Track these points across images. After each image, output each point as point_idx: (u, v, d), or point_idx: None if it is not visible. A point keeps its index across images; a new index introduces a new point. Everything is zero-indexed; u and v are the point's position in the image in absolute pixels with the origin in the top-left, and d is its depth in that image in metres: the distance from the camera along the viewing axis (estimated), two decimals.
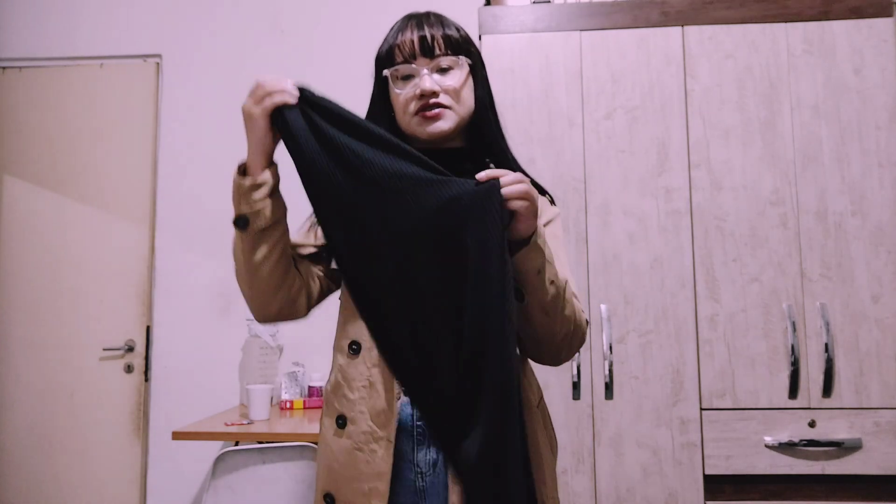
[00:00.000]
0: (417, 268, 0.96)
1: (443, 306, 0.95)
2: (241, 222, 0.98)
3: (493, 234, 0.89)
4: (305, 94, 0.97)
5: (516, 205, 0.90)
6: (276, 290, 1.03)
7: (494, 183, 0.90)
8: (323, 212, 1.00)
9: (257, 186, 0.97)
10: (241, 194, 0.98)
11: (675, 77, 2.04)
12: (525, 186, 0.90)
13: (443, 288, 0.94)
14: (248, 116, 0.97)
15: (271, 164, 1.00)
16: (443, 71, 1.06)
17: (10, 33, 2.98)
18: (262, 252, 0.99)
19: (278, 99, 0.95)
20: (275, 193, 1.00)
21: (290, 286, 1.05)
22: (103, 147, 2.89)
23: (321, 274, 1.10)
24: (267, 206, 0.98)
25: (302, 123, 0.96)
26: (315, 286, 1.09)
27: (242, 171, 1.00)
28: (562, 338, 1.01)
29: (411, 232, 0.95)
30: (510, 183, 0.90)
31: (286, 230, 1.03)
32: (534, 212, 0.92)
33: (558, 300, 0.97)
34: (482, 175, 0.91)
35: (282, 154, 1.00)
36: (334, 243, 1.01)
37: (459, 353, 0.92)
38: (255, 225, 0.98)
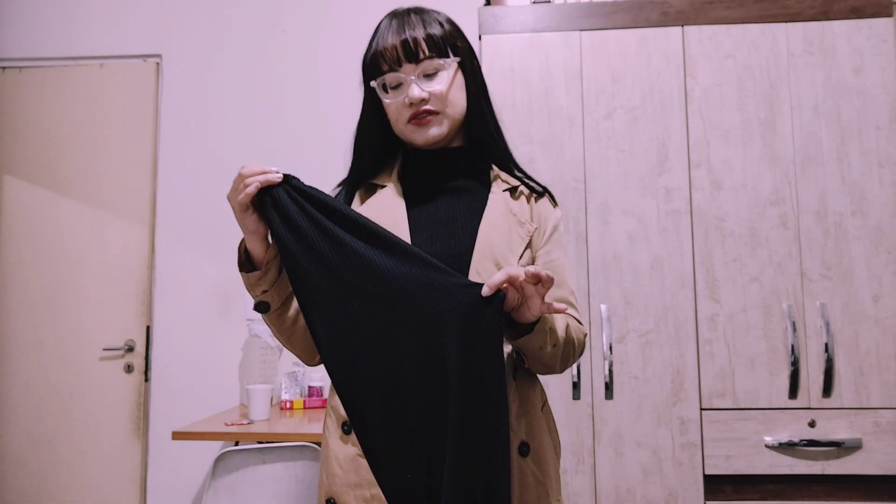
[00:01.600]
0: (402, 370, 0.89)
1: (430, 413, 0.89)
2: (262, 307, 1.00)
3: (491, 352, 0.85)
4: (291, 182, 0.93)
5: (528, 305, 0.87)
6: (301, 345, 1.05)
7: (500, 296, 0.86)
8: (300, 295, 0.94)
9: (264, 273, 0.97)
10: (252, 285, 0.98)
11: (675, 77, 2.04)
12: (534, 290, 0.86)
13: (429, 399, 0.89)
14: (233, 208, 0.94)
15: (270, 242, 0.97)
16: (429, 75, 1.03)
17: (10, 33, 2.98)
18: (289, 320, 1.02)
19: (252, 189, 0.91)
20: (282, 268, 0.98)
21: (297, 334, 1.06)
22: (103, 147, 2.89)
23: None
24: (279, 285, 0.99)
25: (285, 211, 0.91)
26: None
27: (243, 255, 0.99)
28: (561, 368, 1.04)
29: (400, 333, 0.90)
30: (521, 282, 0.85)
31: None
32: (541, 304, 0.88)
33: (558, 352, 0.98)
34: (486, 290, 0.86)
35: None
36: (314, 330, 0.94)
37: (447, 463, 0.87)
38: (275, 304, 0.99)
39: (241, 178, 0.93)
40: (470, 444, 0.85)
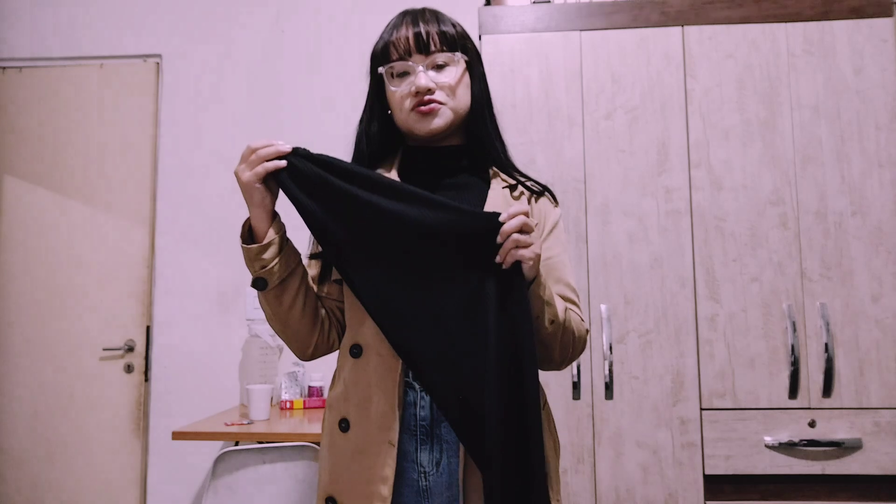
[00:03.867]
0: (441, 305, 0.96)
1: (472, 337, 0.95)
2: (259, 283, 0.99)
3: (509, 271, 0.91)
4: (300, 152, 0.96)
5: (522, 244, 0.89)
6: (310, 332, 1.06)
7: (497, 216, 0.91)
8: (334, 256, 1.00)
9: (265, 248, 0.97)
10: (252, 259, 0.98)
11: (675, 77, 2.04)
12: (528, 238, 0.89)
13: (468, 322, 0.95)
14: (241, 182, 0.95)
15: (273, 219, 0.99)
16: (438, 67, 1.05)
17: (10, 33, 2.98)
18: (286, 302, 1.01)
19: (271, 166, 0.94)
20: (284, 246, 0.99)
21: (322, 324, 1.07)
22: (103, 147, 2.89)
23: (341, 305, 1.10)
24: (279, 262, 0.98)
25: (302, 179, 0.95)
26: (342, 318, 1.10)
27: (246, 231, 1.00)
28: (560, 359, 1.04)
29: (433, 272, 0.96)
30: (513, 229, 0.89)
31: (304, 274, 1.04)
32: (537, 255, 0.91)
33: (557, 334, 0.98)
34: (504, 216, 0.90)
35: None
36: (354, 285, 0.99)
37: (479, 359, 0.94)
38: (273, 282, 0.99)
39: (250, 151, 0.95)
40: (503, 360, 0.91)
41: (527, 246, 0.89)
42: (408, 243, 0.95)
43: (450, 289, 0.95)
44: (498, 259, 0.91)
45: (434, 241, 0.94)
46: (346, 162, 0.98)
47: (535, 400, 0.92)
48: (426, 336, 0.96)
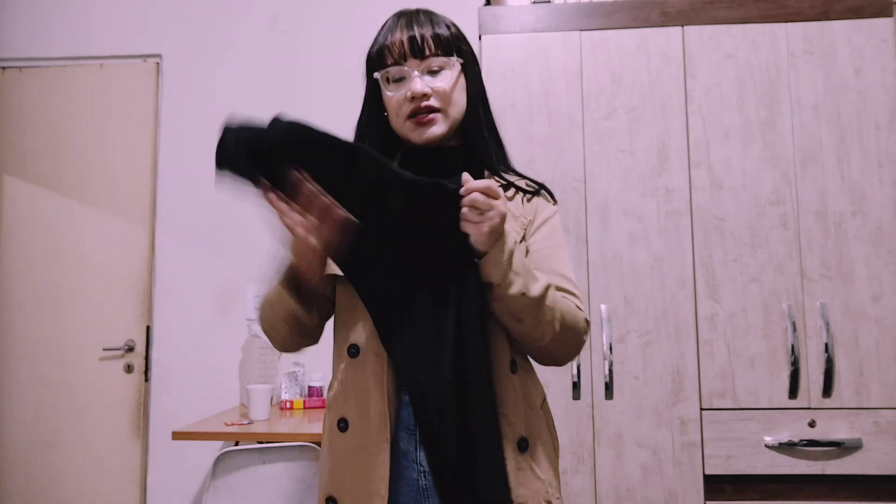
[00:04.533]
0: (413, 282, 0.97)
1: (436, 305, 0.96)
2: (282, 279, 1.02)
3: (457, 236, 0.92)
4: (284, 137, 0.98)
5: (470, 219, 0.89)
6: (299, 334, 1.07)
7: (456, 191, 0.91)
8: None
9: (303, 294, 1.01)
10: (279, 294, 1.01)
11: (675, 77, 2.04)
12: (476, 215, 0.88)
13: (435, 292, 0.96)
14: (303, 245, 0.91)
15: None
16: (433, 72, 1.04)
17: (10, 33, 2.98)
18: (300, 313, 1.03)
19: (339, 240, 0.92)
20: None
21: (308, 325, 1.07)
22: (103, 147, 2.89)
23: (329, 298, 1.10)
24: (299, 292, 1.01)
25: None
26: (325, 312, 1.11)
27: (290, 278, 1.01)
28: (549, 341, 0.99)
29: (405, 247, 0.97)
30: (470, 202, 0.88)
31: (319, 299, 1.06)
32: (489, 230, 0.89)
33: (531, 309, 0.94)
34: (463, 190, 0.89)
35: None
36: (358, 289, 1.00)
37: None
38: (296, 289, 1.01)
39: (324, 206, 0.91)
40: (462, 334, 0.93)
41: (475, 222, 0.89)
42: (378, 218, 0.95)
43: (418, 261, 0.96)
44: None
45: (402, 216, 0.94)
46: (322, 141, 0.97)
47: (477, 376, 0.93)
48: (406, 327, 0.97)
